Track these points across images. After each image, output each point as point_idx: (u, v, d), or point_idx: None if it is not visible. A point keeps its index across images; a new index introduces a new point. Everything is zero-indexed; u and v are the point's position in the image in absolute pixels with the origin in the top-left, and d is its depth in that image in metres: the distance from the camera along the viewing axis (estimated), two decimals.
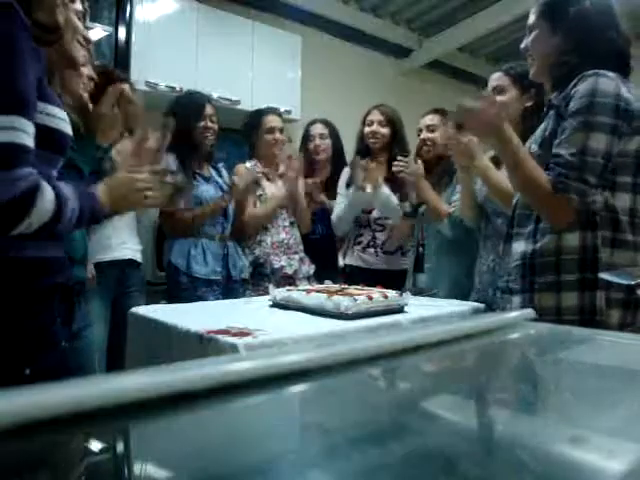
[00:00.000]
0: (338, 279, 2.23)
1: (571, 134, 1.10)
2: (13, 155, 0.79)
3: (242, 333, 1.04)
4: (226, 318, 1.18)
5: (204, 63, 2.84)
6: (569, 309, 1.11)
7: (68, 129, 0.93)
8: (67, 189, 0.88)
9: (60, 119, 0.91)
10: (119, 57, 2.71)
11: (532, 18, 1.27)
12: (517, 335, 0.68)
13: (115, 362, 1.76)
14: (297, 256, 2.27)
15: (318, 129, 2.48)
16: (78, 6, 1.04)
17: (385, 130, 2.26)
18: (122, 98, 1.69)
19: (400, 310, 1.35)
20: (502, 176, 1.44)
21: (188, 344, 1.10)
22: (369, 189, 2.16)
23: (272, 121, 2.31)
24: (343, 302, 1.22)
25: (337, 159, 2.50)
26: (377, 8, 3.92)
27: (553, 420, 0.40)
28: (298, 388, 0.43)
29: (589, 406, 0.43)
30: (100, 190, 0.98)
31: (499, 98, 1.62)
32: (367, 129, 2.28)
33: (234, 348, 0.98)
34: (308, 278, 2.29)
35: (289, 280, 2.18)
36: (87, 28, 1.12)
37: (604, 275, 1.09)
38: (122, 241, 1.86)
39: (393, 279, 2.07)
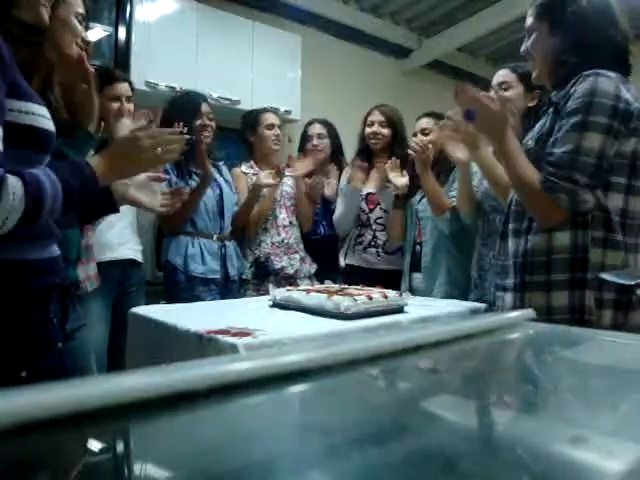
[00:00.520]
0: (339, 279, 2.24)
1: (565, 133, 1.10)
2: None
3: (242, 333, 1.04)
4: (226, 318, 1.18)
5: (204, 63, 2.84)
6: (559, 308, 1.11)
7: (50, 126, 0.90)
8: (43, 174, 0.83)
9: (41, 116, 0.88)
10: (119, 57, 2.71)
11: (529, 20, 1.27)
12: (517, 335, 0.68)
13: (115, 362, 1.76)
14: (297, 255, 2.27)
15: (316, 129, 2.48)
16: (80, 9, 1.03)
17: (386, 130, 2.26)
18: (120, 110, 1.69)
19: (400, 310, 1.35)
20: (502, 170, 1.45)
21: (188, 344, 1.10)
22: (358, 183, 2.19)
23: (270, 118, 2.33)
24: (343, 302, 1.22)
25: (337, 159, 2.51)
26: (377, 8, 3.92)
27: (553, 420, 0.40)
28: (298, 388, 0.43)
29: (589, 406, 0.43)
30: (95, 159, 0.94)
31: (504, 94, 1.62)
32: (368, 129, 2.28)
33: (234, 348, 0.98)
34: (309, 277, 2.29)
35: (290, 280, 2.18)
36: (87, 28, 1.11)
37: (605, 275, 1.09)
38: (123, 241, 1.85)
39: (394, 279, 2.07)
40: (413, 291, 1.93)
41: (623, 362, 0.58)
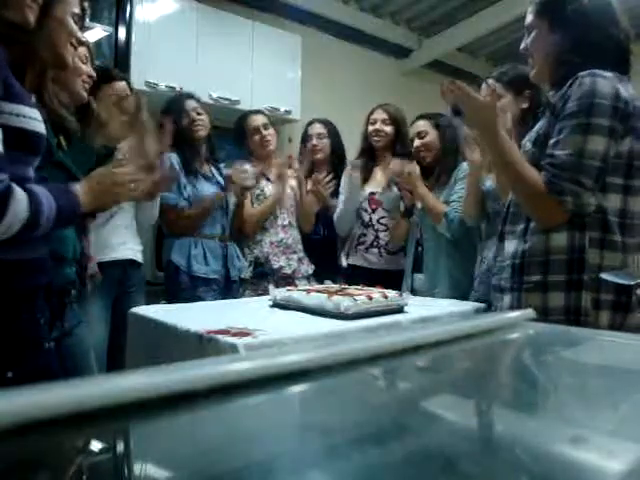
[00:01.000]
0: (339, 279, 2.24)
1: (568, 136, 1.09)
2: None
3: (242, 333, 1.04)
4: (226, 318, 1.18)
5: (204, 63, 2.84)
6: (555, 309, 1.11)
7: (41, 128, 0.92)
8: (42, 191, 0.86)
9: (32, 119, 0.89)
10: (119, 57, 2.71)
11: (529, 18, 1.26)
12: (517, 335, 0.68)
13: (115, 362, 1.76)
14: (296, 256, 2.27)
15: (316, 129, 2.48)
16: (75, 9, 1.03)
17: (388, 129, 2.26)
18: (121, 99, 1.69)
19: (400, 310, 1.35)
20: None
21: (188, 344, 1.10)
22: (358, 180, 2.20)
23: (254, 121, 2.30)
24: (343, 302, 1.22)
25: (336, 159, 2.51)
26: (377, 8, 3.91)
27: (553, 420, 0.40)
28: (298, 388, 0.43)
29: (589, 406, 0.43)
30: (80, 188, 0.97)
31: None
32: (370, 127, 2.28)
33: (234, 348, 0.98)
34: (307, 278, 2.29)
35: (288, 280, 2.18)
36: (86, 28, 1.11)
37: (605, 275, 1.09)
38: (123, 241, 1.85)
39: (396, 279, 2.07)
40: (415, 292, 1.93)
41: (623, 362, 0.58)
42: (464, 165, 1.92)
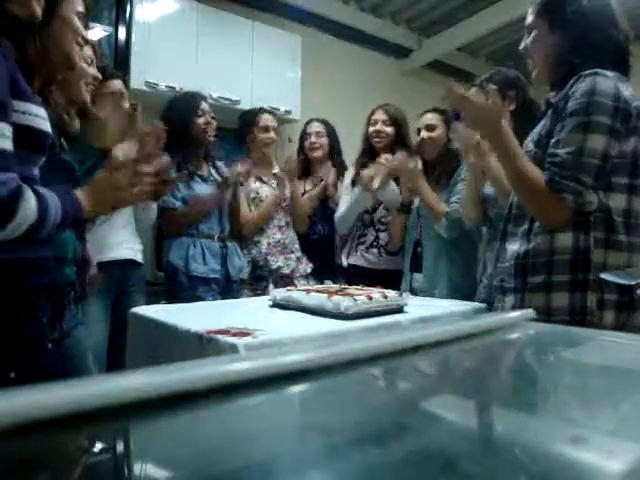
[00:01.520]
0: (339, 279, 2.24)
1: (568, 134, 1.10)
2: None
3: (242, 333, 1.04)
4: (226, 318, 1.18)
5: (204, 63, 2.84)
6: (559, 309, 1.11)
7: (47, 127, 0.91)
8: (49, 193, 0.87)
9: (38, 117, 0.89)
10: (119, 57, 2.71)
11: (530, 18, 1.27)
12: (517, 335, 0.68)
13: (115, 362, 1.76)
14: (294, 255, 2.27)
15: (315, 127, 2.49)
16: (80, 7, 1.03)
17: (389, 129, 2.27)
18: (118, 100, 1.69)
19: (400, 310, 1.35)
20: None
21: (188, 344, 1.10)
22: (375, 186, 2.17)
23: (267, 120, 2.33)
24: (343, 302, 1.22)
25: (333, 158, 2.51)
26: (377, 8, 3.91)
27: (553, 420, 0.40)
28: (298, 388, 0.43)
29: (589, 406, 0.43)
30: (82, 193, 0.96)
31: None
32: (371, 128, 2.28)
33: (234, 348, 0.98)
34: (306, 277, 2.30)
35: (286, 279, 2.18)
36: (87, 28, 1.11)
37: (605, 275, 1.09)
38: (122, 241, 1.85)
39: (396, 279, 2.07)
40: (414, 292, 1.93)
41: (623, 362, 0.58)
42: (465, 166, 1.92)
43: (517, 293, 1.18)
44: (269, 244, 2.22)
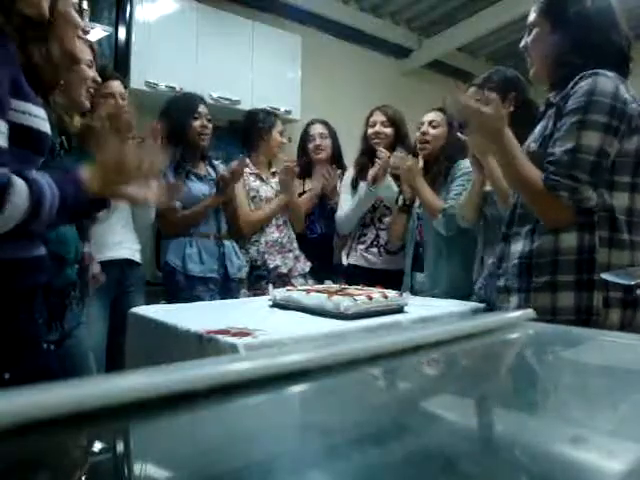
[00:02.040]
0: (339, 278, 2.24)
1: (565, 132, 1.10)
2: None
3: (242, 333, 1.04)
4: (226, 318, 1.18)
5: (204, 63, 2.84)
6: (564, 309, 1.12)
7: (46, 127, 0.90)
8: (44, 179, 0.83)
9: (38, 117, 0.88)
10: (119, 57, 2.71)
11: (532, 16, 1.27)
12: (517, 335, 0.68)
13: (115, 362, 1.76)
14: (291, 254, 2.28)
15: (318, 129, 2.49)
16: None
17: (388, 130, 2.27)
18: (115, 107, 1.69)
19: (400, 310, 1.35)
20: None
21: (188, 344, 1.10)
22: (381, 184, 2.19)
23: (279, 126, 2.36)
24: (343, 302, 1.22)
25: (335, 160, 2.52)
26: (377, 8, 3.91)
27: (553, 420, 0.40)
28: (298, 388, 0.43)
29: (589, 406, 0.43)
30: (85, 173, 0.93)
31: None
32: (370, 130, 2.28)
33: (234, 348, 0.98)
34: (304, 275, 2.30)
35: (284, 278, 2.19)
36: (82, 19, 1.10)
37: (605, 275, 1.09)
38: (120, 241, 1.85)
39: (396, 279, 2.07)
40: (415, 291, 1.93)
41: (623, 362, 0.58)
42: (461, 163, 1.92)
43: (522, 293, 1.18)
44: (267, 243, 2.22)
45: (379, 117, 2.28)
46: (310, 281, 2.27)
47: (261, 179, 2.30)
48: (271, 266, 2.19)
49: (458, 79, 4.43)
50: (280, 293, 1.45)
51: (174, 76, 2.70)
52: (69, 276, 1.23)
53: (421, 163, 1.99)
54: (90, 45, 1.42)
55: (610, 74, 1.10)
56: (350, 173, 2.34)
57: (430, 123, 2.06)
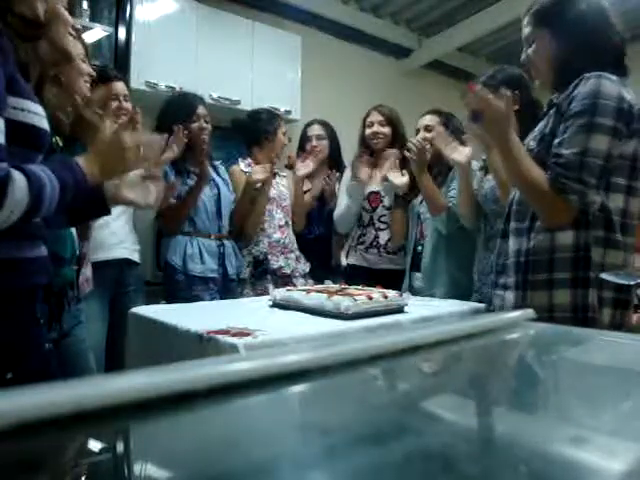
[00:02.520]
0: (339, 279, 2.24)
1: (573, 135, 1.10)
2: None
3: (242, 333, 1.04)
4: (226, 318, 1.18)
5: (204, 63, 2.84)
6: (560, 306, 1.12)
7: (44, 124, 0.90)
8: (42, 170, 0.84)
9: (36, 114, 0.88)
10: (119, 57, 2.71)
11: (527, 30, 1.27)
12: (517, 335, 0.68)
13: (114, 362, 1.76)
14: (293, 255, 2.29)
15: (315, 130, 2.49)
16: None
17: (386, 129, 2.28)
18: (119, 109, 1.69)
19: (400, 310, 1.35)
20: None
21: (188, 344, 1.10)
22: (366, 180, 2.20)
23: (283, 127, 2.37)
24: (343, 302, 1.22)
25: (334, 160, 2.52)
26: (377, 8, 3.91)
27: (553, 420, 0.40)
28: (298, 388, 0.43)
29: (589, 406, 0.43)
30: (84, 158, 0.93)
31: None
32: (368, 131, 2.29)
33: (234, 348, 0.98)
34: (304, 276, 2.31)
35: (286, 279, 2.19)
36: (85, 28, 1.11)
37: (605, 275, 1.09)
38: (119, 240, 1.85)
39: (396, 279, 2.07)
40: (414, 290, 1.93)
41: (623, 362, 0.58)
42: None
43: (519, 290, 1.19)
44: (270, 243, 2.23)
45: (376, 117, 2.28)
46: (310, 281, 2.27)
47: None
48: (274, 267, 2.20)
49: (458, 79, 4.44)
50: (280, 293, 1.45)
51: (174, 76, 2.69)
52: (66, 276, 1.23)
53: (428, 155, 1.98)
54: (82, 41, 1.43)
55: (613, 77, 1.11)
56: (348, 174, 2.34)
57: (426, 128, 2.07)
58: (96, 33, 2.65)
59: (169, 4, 2.80)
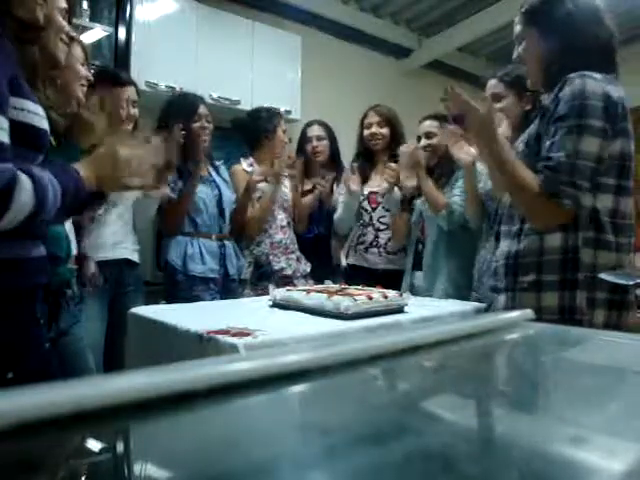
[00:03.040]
0: (339, 279, 2.24)
1: (562, 137, 1.09)
2: None
3: (242, 333, 1.04)
4: (226, 318, 1.18)
5: (204, 63, 2.84)
6: (548, 309, 1.12)
7: (44, 124, 0.91)
8: (46, 174, 0.84)
9: (36, 114, 0.88)
10: (119, 57, 2.71)
11: (518, 28, 1.27)
12: (517, 335, 0.68)
13: (113, 362, 1.76)
14: (294, 255, 2.29)
15: (315, 131, 2.49)
16: (62, 4, 1.02)
17: (384, 130, 2.27)
18: (107, 102, 1.70)
19: (400, 310, 1.35)
20: None
21: (188, 344, 1.10)
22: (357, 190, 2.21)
23: (283, 125, 2.37)
24: (343, 302, 1.22)
25: (334, 161, 2.52)
26: (377, 8, 3.91)
27: (553, 420, 0.40)
28: (298, 388, 0.43)
29: (589, 406, 0.43)
30: (83, 166, 0.94)
31: (497, 106, 1.61)
32: (366, 131, 2.28)
33: (234, 348, 0.98)
34: (305, 277, 2.31)
35: (287, 280, 2.19)
36: (85, 28, 1.11)
37: (604, 275, 1.09)
38: (118, 241, 1.85)
39: (396, 279, 2.07)
40: (414, 289, 1.93)
41: (623, 362, 0.58)
42: None
43: (508, 292, 1.19)
44: (271, 244, 2.22)
45: (374, 118, 2.28)
46: (310, 282, 2.27)
47: (266, 180, 2.29)
48: (276, 268, 2.20)
49: (458, 79, 4.44)
50: (280, 293, 1.45)
51: (174, 76, 2.70)
52: (63, 275, 1.23)
53: (422, 156, 1.99)
54: (82, 45, 1.43)
55: (597, 76, 1.10)
56: (347, 174, 2.34)
57: (427, 135, 2.07)
58: (96, 33, 2.65)
59: (169, 4, 2.80)
